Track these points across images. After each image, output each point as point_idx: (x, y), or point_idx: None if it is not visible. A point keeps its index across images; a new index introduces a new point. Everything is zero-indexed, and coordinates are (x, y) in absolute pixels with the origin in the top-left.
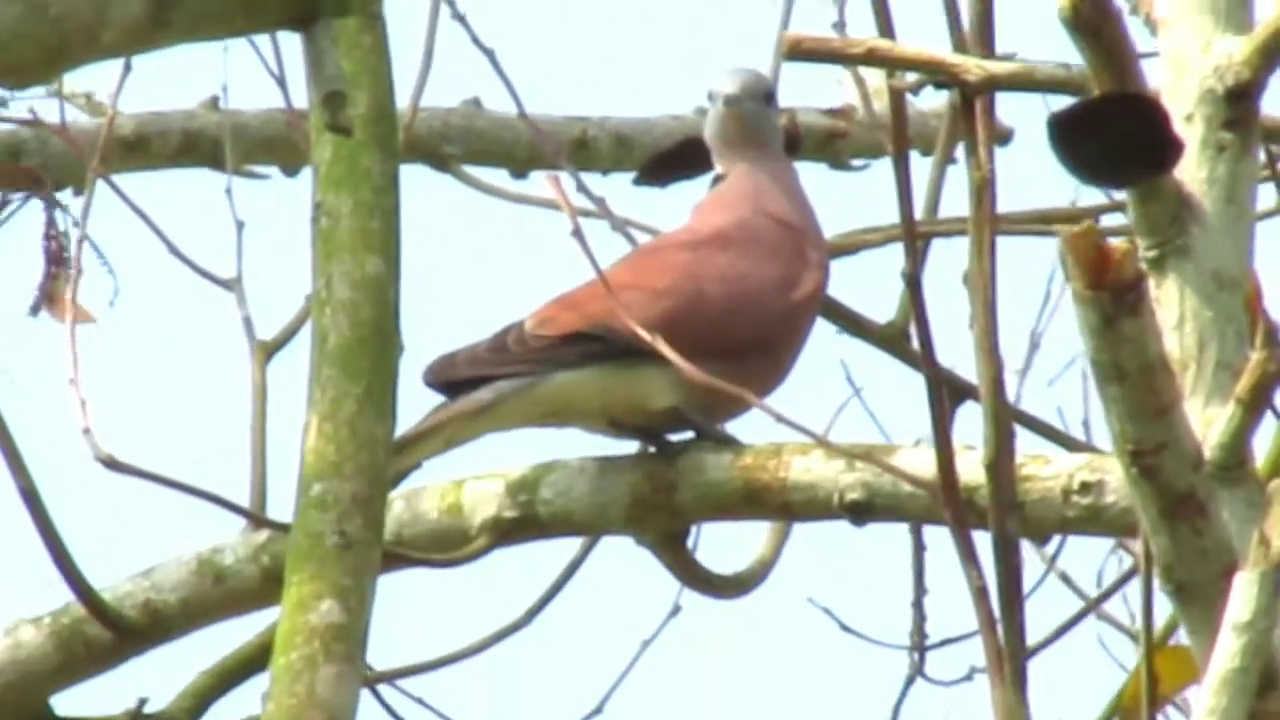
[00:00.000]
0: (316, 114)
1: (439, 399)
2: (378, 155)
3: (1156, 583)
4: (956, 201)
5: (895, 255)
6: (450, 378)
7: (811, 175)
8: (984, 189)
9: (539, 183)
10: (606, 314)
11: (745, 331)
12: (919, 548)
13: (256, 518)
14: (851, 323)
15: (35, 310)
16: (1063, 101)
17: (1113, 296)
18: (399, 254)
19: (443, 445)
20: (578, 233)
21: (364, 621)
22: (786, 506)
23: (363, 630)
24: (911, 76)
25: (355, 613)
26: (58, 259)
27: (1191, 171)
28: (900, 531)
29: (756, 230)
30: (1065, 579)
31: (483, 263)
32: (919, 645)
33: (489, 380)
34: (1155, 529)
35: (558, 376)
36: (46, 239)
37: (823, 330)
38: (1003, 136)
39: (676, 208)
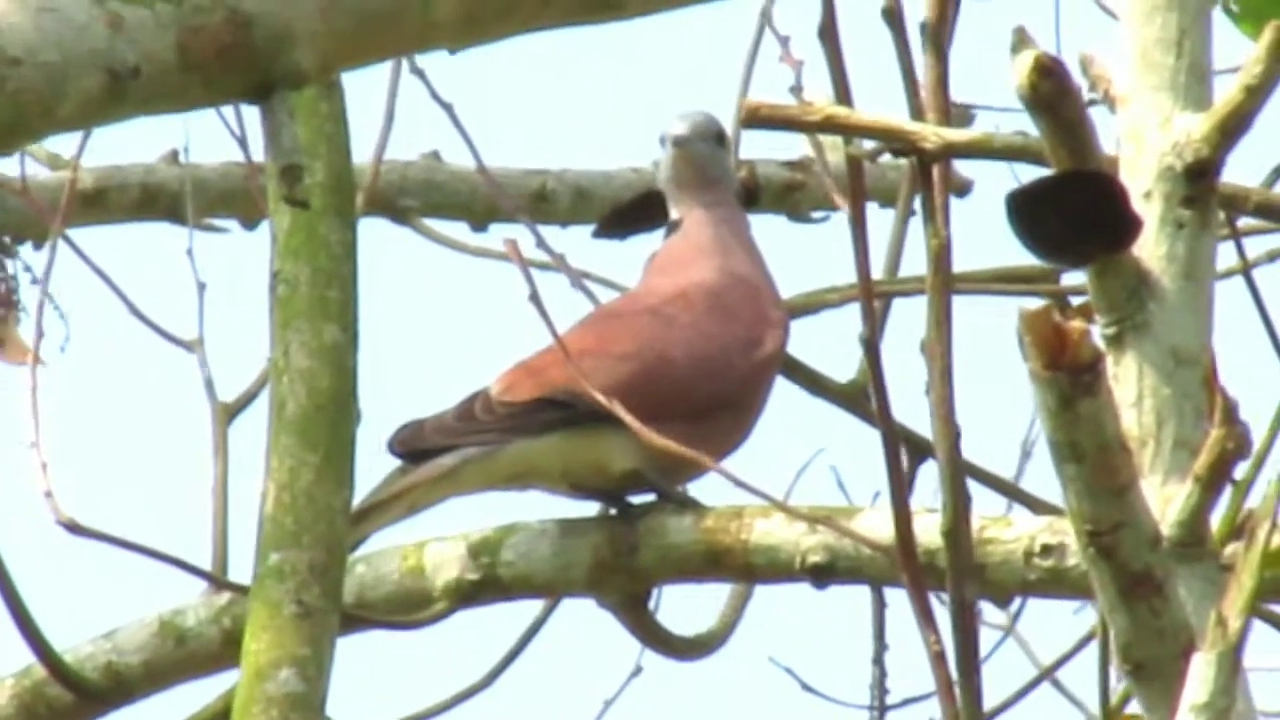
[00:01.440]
0: (274, 186)
1: (396, 463)
2: (335, 224)
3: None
4: (918, 256)
5: (855, 314)
6: (419, 447)
7: (770, 227)
8: (941, 255)
9: (498, 236)
10: (571, 379)
11: (709, 393)
12: (880, 605)
13: (218, 580)
14: (812, 381)
15: None
16: (1021, 169)
17: (1070, 377)
18: (357, 322)
19: (405, 511)
20: (535, 298)
21: (322, 690)
22: (748, 569)
23: (320, 699)
24: (870, 143)
25: (313, 681)
26: (6, 302)
27: (1150, 248)
28: (862, 591)
29: (718, 289)
30: (1022, 645)
31: (442, 315)
32: (880, 703)
33: (452, 446)
34: (1113, 608)
35: (519, 443)
36: None
37: (784, 389)
38: (961, 188)
39: (635, 260)
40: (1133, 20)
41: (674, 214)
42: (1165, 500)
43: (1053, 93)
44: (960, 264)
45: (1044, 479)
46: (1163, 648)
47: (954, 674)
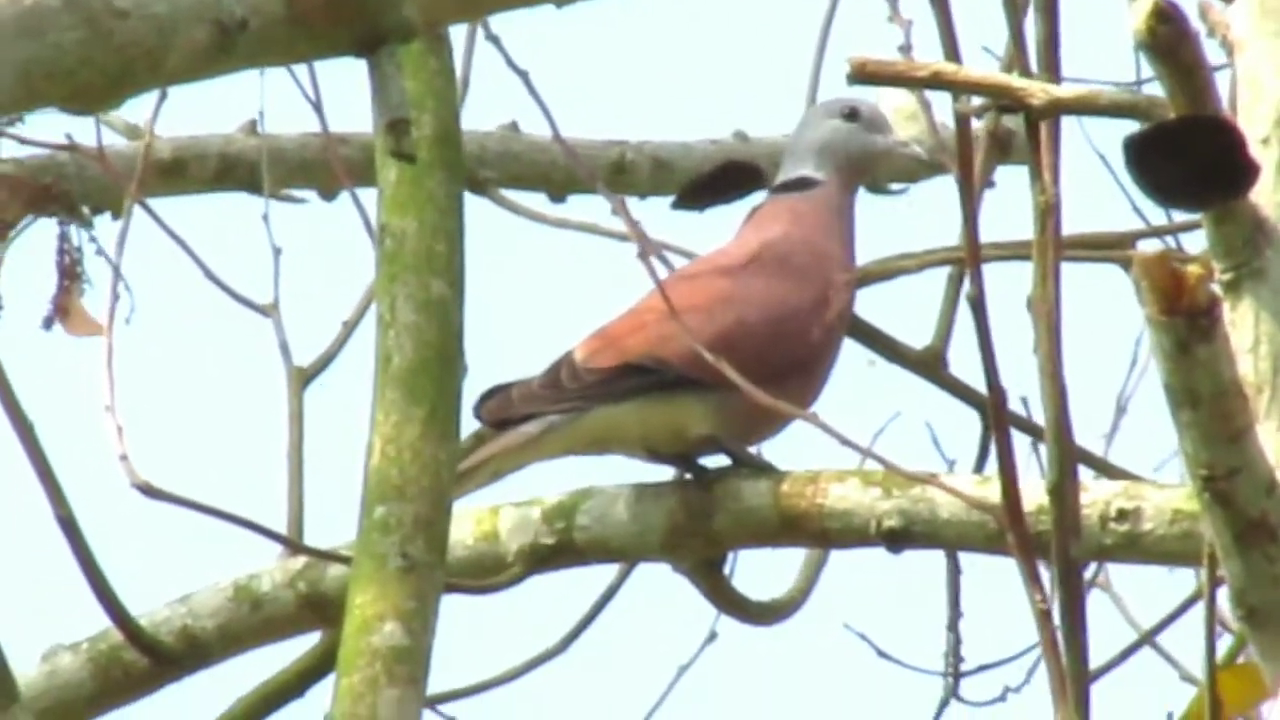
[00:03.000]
0: (381, 139)
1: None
2: (442, 177)
3: (1223, 607)
4: (994, 226)
5: (931, 281)
6: (507, 416)
7: None
8: (1048, 213)
9: (576, 207)
10: (655, 343)
11: (784, 355)
12: (955, 570)
13: (293, 544)
14: (887, 347)
15: (48, 324)
16: (1127, 126)
17: (1187, 321)
18: (463, 277)
19: (489, 478)
20: (644, 255)
21: (426, 644)
22: (823, 533)
23: (425, 653)
24: (977, 100)
25: (418, 635)
26: (71, 273)
27: (1267, 195)
28: (937, 557)
29: (785, 253)
30: (1119, 607)
31: (519, 286)
32: (954, 670)
33: (537, 413)
34: (1227, 554)
35: (601, 409)
36: (60, 254)
37: (856, 354)
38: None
39: (713, 231)
40: None
41: (814, 175)
42: None
43: (1171, 37)
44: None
45: (1124, 447)
46: (1276, 593)
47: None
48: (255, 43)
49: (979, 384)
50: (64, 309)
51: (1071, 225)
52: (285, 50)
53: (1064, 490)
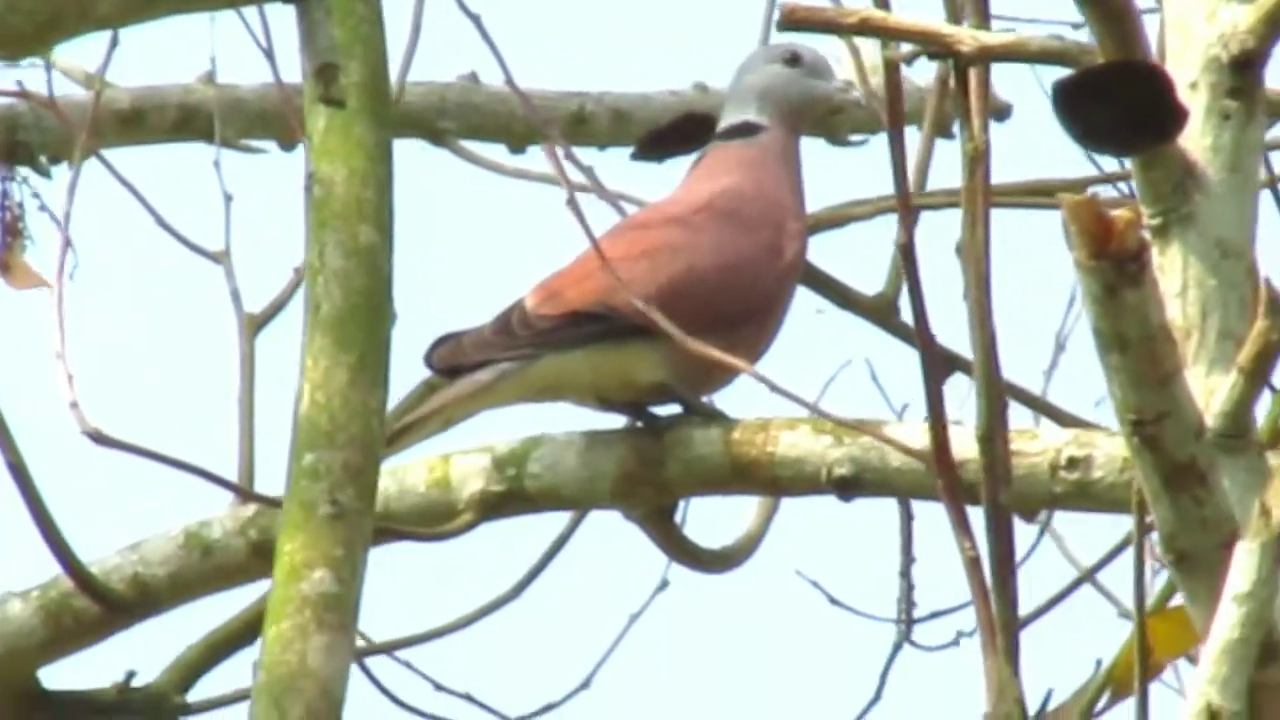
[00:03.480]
0: (310, 86)
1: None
2: (371, 124)
3: (1155, 552)
4: (946, 175)
5: (883, 228)
6: (459, 363)
7: (810, 151)
8: (978, 160)
9: (536, 158)
10: (605, 291)
11: (736, 303)
12: (907, 518)
13: (244, 491)
14: (840, 295)
15: None
16: (1058, 73)
17: (1115, 266)
18: (392, 224)
19: (441, 426)
20: (573, 203)
21: (355, 592)
22: (774, 481)
23: (354, 600)
24: (906, 48)
25: (347, 583)
26: (13, 230)
27: (1196, 139)
28: (889, 504)
29: (737, 201)
30: (1060, 546)
31: (479, 237)
32: (907, 617)
33: (489, 361)
34: (1156, 498)
35: (552, 356)
36: (2, 209)
37: (807, 302)
38: (1001, 111)
39: (673, 182)
40: None
41: (757, 120)
42: (1209, 391)
43: None
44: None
45: (1071, 393)
46: (1205, 538)
47: (989, 580)
48: None
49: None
50: (5, 264)
51: (1028, 171)
52: None
53: (994, 437)
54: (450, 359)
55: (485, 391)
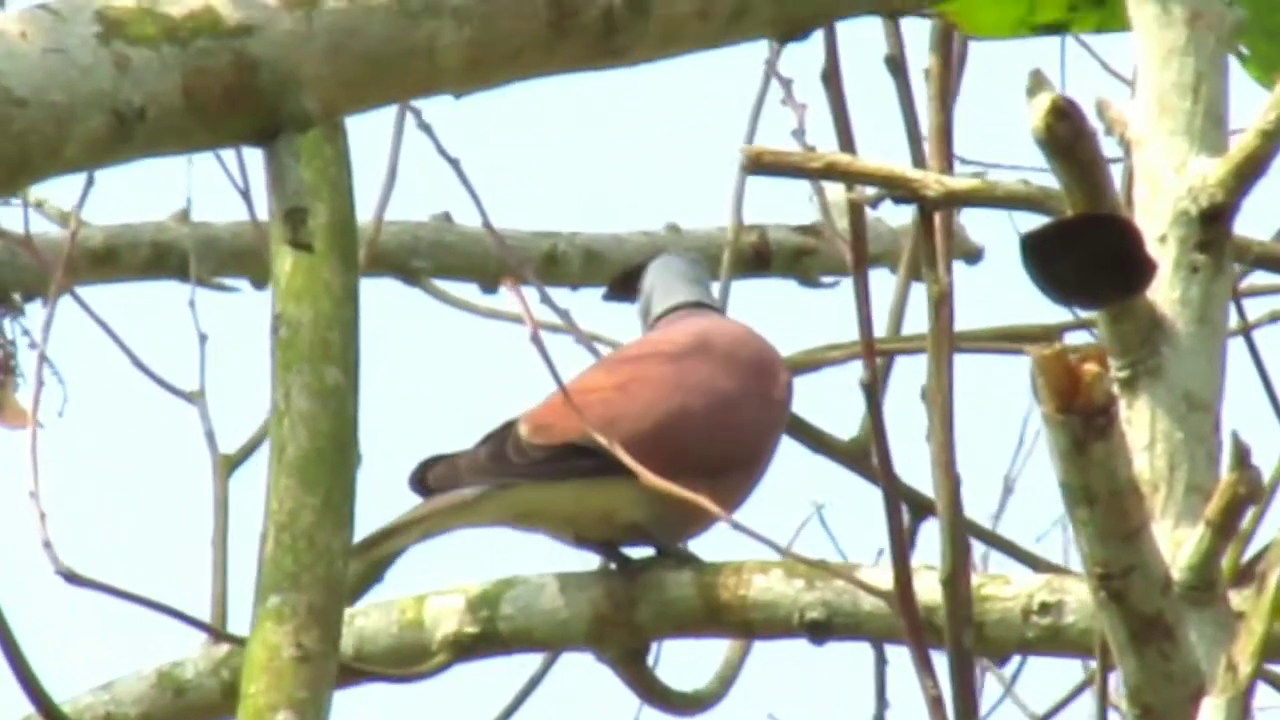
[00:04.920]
0: (277, 228)
1: (394, 506)
2: (338, 267)
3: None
4: (924, 319)
5: (857, 371)
6: (454, 486)
7: (782, 292)
8: (942, 303)
9: (508, 297)
10: (597, 424)
11: (724, 449)
12: (880, 662)
13: (217, 632)
14: (814, 439)
15: None
16: (1025, 218)
17: (1083, 420)
18: (358, 366)
19: (419, 536)
20: (537, 339)
21: None
22: (746, 624)
23: None
24: (872, 190)
25: None
26: (4, 368)
27: (1164, 292)
28: (863, 648)
29: (731, 343)
30: (1017, 703)
31: (452, 375)
32: None
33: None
34: (1123, 652)
35: (538, 485)
36: None
37: (784, 446)
38: (972, 254)
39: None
40: (1149, 64)
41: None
42: (1176, 544)
43: (1069, 135)
44: (972, 326)
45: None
46: (1172, 691)
47: None
48: (153, 132)
49: (907, 476)
50: None
51: (1002, 313)
52: (183, 139)
53: (957, 580)
54: (445, 482)
55: (467, 509)
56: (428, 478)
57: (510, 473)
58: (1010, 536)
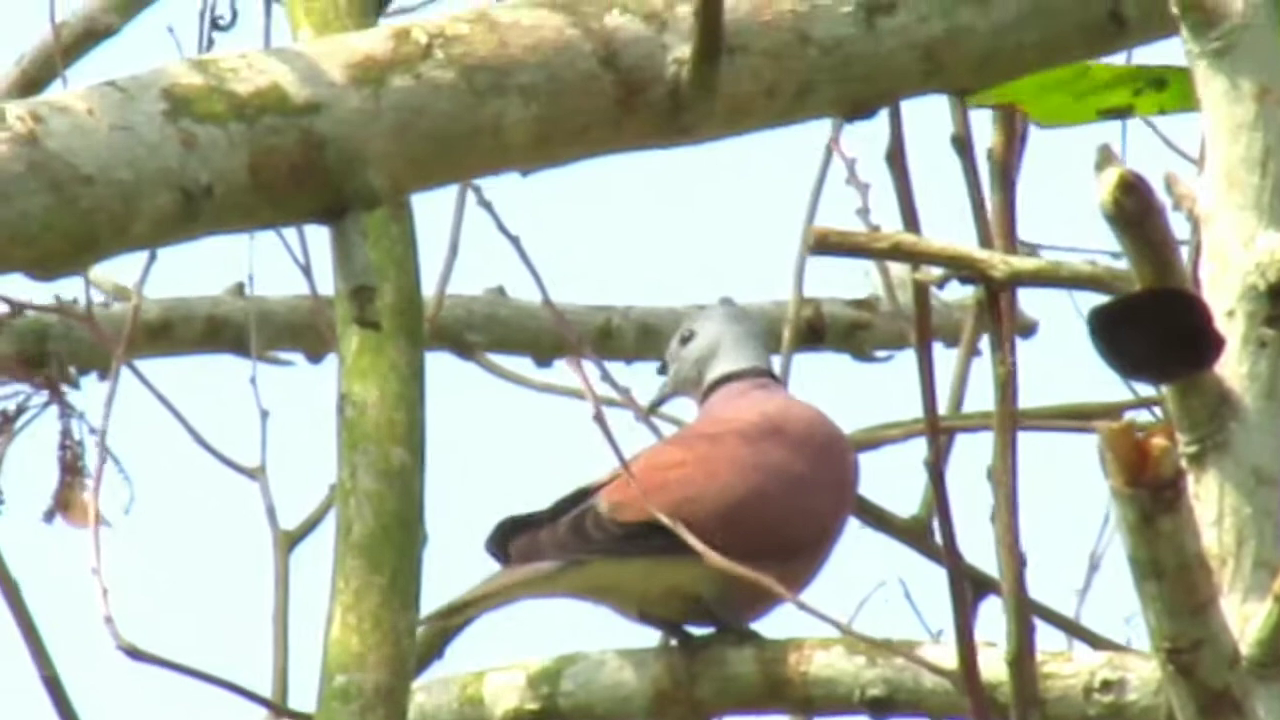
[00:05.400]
0: (343, 306)
1: (458, 582)
2: (404, 345)
3: None
4: (981, 395)
5: (917, 450)
6: (533, 557)
7: (835, 367)
8: (1007, 384)
9: (563, 371)
10: (678, 505)
11: (798, 531)
12: None
13: (278, 707)
14: (875, 516)
15: (50, 518)
16: (1086, 295)
17: (1151, 494)
18: (424, 445)
19: (500, 604)
20: (600, 418)
21: None
22: (807, 701)
23: None
24: (936, 270)
25: None
26: (72, 468)
27: (1232, 367)
28: None
29: (804, 427)
30: None
31: (506, 450)
32: None
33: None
34: None
35: (612, 560)
36: (61, 448)
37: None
38: (1026, 328)
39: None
40: (1217, 139)
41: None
42: (1244, 619)
43: (1137, 209)
44: (1027, 402)
45: (1106, 614)
46: None
47: None
48: (220, 209)
49: (968, 553)
50: (65, 502)
51: (1058, 387)
52: (250, 217)
53: (1022, 659)
54: (525, 554)
55: (545, 582)
56: (507, 544)
57: (589, 548)
58: (1094, 615)
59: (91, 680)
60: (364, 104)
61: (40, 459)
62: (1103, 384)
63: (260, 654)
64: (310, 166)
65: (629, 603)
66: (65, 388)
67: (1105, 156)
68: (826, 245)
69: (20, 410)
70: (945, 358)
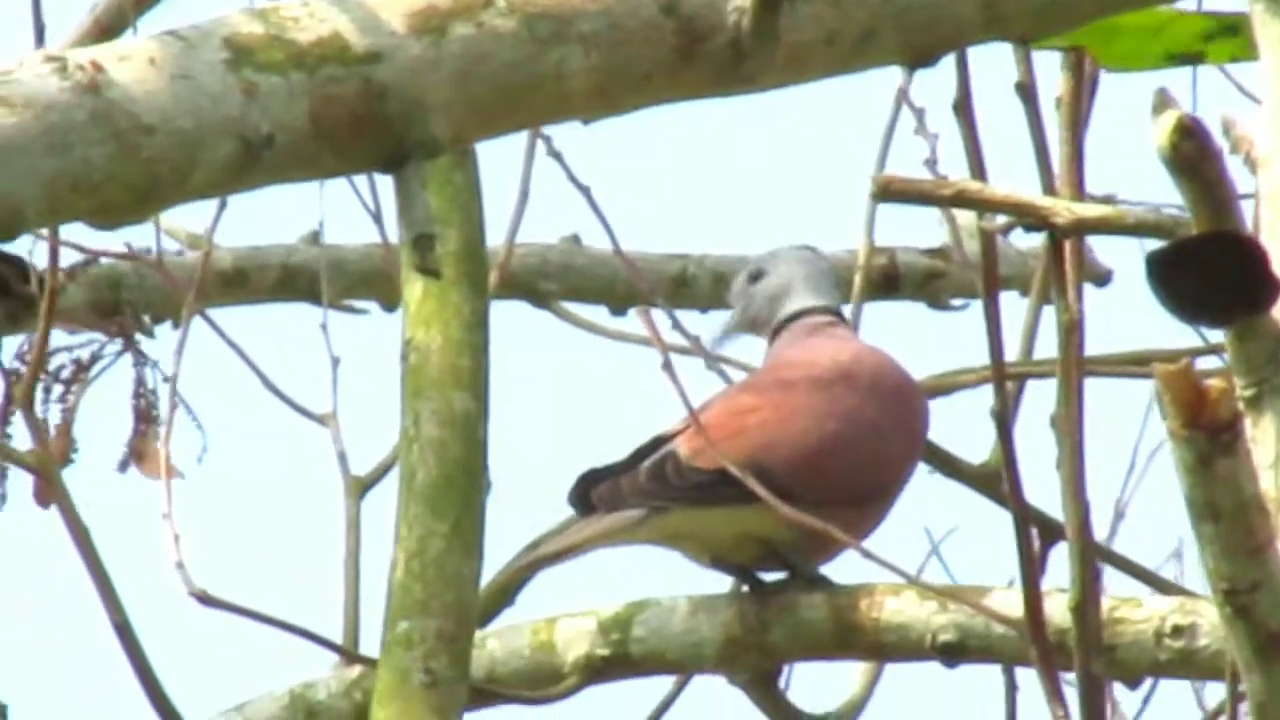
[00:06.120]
0: (406, 255)
1: (524, 530)
2: (468, 292)
3: None
4: (1052, 341)
5: (989, 397)
6: (617, 506)
7: (911, 315)
8: (1072, 331)
9: (637, 320)
10: (758, 450)
11: (870, 477)
12: (1011, 686)
13: (349, 653)
14: (945, 463)
15: (124, 467)
16: (1154, 244)
17: (1208, 436)
18: (488, 391)
19: (583, 552)
20: (668, 367)
21: None
22: (878, 647)
23: None
24: (1002, 218)
25: None
26: (146, 417)
27: None
28: (993, 671)
29: (876, 372)
30: None
31: (580, 399)
32: None
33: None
34: (1249, 668)
35: (692, 508)
36: (135, 397)
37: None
38: (1101, 277)
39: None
40: (1275, 82)
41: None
42: None
43: (1194, 153)
44: (1103, 350)
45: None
46: None
47: None
48: (281, 158)
49: (1038, 499)
50: (139, 452)
51: (1131, 336)
52: (311, 166)
53: (1086, 608)
54: (611, 503)
55: (629, 530)
56: (588, 496)
57: (670, 495)
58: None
59: (162, 626)
60: (425, 52)
61: (114, 408)
62: (1174, 334)
63: (332, 600)
64: (371, 115)
65: (703, 549)
66: (139, 336)
67: (1162, 100)
68: (890, 193)
69: (94, 359)
70: (1019, 306)
